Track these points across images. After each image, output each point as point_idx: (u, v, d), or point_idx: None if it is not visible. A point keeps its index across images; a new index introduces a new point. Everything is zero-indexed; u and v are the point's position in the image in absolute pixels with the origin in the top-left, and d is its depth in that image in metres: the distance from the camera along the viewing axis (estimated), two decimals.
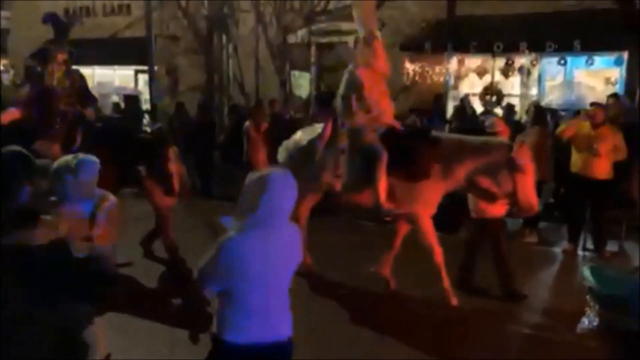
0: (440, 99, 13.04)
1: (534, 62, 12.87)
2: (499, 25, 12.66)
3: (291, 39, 15.28)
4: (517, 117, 11.39)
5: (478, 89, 13.53)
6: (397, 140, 6.06)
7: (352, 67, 6.27)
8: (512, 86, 13.87)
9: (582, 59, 12.41)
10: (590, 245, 7.91)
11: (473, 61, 13.73)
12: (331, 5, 14.54)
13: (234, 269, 2.71)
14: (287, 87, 15.16)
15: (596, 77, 13.26)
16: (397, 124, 6.39)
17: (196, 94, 16.41)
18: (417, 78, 13.88)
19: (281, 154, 7.02)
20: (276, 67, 15.16)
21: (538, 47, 12.18)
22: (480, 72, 13.57)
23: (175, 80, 17.81)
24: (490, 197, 5.97)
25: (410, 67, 13.90)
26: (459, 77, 14.37)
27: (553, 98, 13.06)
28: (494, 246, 6.29)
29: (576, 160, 7.80)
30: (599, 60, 12.75)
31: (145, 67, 16.49)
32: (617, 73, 12.71)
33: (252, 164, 9.54)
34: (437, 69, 13.83)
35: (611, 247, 7.82)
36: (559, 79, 13.54)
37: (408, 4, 14.28)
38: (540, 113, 8.76)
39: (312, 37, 15.42)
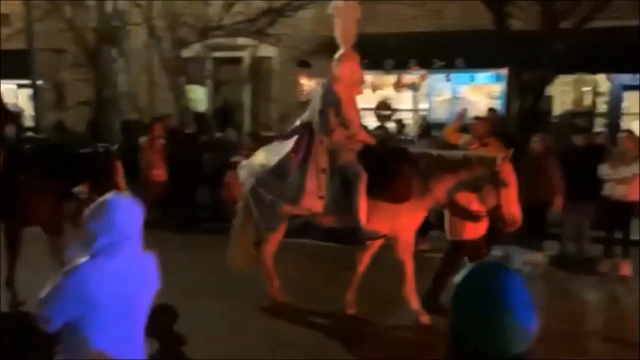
0: None
1: (422, 79, 13.55)
2: (390, 44, 13.20)
3: (186, 53, 15.03)
4: (408, 130, 11.92)
5: (372, 104, 14.02)
6: (375, 158, 5.85)
7: (327, 81, 6.04)
8: (403, 101, 14.50)
9: (466, 75, 13.25)
10: None
11: (366, 77, 14.18)
12: (226, 20, 14.49)
13: (79, 300, 2.49)
14: (182, 101, 14.85)
15: (480, 92, 14.22)
16: (373, 141, 6.31)
17: (85, 109, 15.65)
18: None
19: (245, 178, 6.39)
20: (171, 81, 14.82)
21: (425, 65, 12.85)
22: (374, 88, 14.07)
23: (61, 95, 16.87)
24: (472, 217, 5.87)
25: (306, 83, 14.12)
26: None
27: (440, 113, 13.80)
28: (451, 263, 6.08)
29: None
30: (482, 76, 13.70)
31: (28, 81, 15.50)
32: (498, 88, 13.71)
33: (148, 181, 9.21)
34: None
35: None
36: (446, 94, 14.35)
37: (303, 22, 14.53)
38: (427, 127, 9.23)
39: (208, 51, 15.26)
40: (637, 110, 13.89)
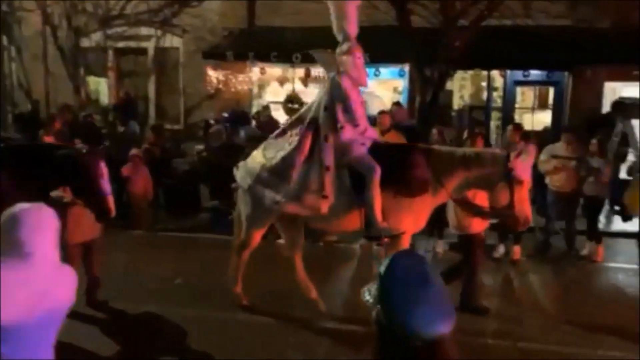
0: (239, 106, 13.21)
1: None
2: (297, 37, 13.25)
3: (85, 42, 14.32)
4: None
5: (281, 97, 14.05)
6: (385, 154, 5.61)
7: (335, 75, 5.66)
8: (311, 95, 14.61)
9: (371, 70, 13.54)
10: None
11: (275, 70, 14.21)
12: (128, 9, 13.95)
13: None
14: (82, 93, 14.15)
15: (385, 86, 14.63)
16: (377, 136, 6.05)
17: None
18: (221, 86, 13.95)
19: (243, 179, 6.00)
20: (69, 71, 14.06)
21: None
22: (282, 81, 14.10)
23: None
24: (482, 214, 5.81)
25: (213, 75, 13.92)
26: (262, 86, 14.76)
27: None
28: (470, 260, 6.18)
29: None
30: (386, 71, 14.09)
31: None
32: (402, 83, 14.17)
33: None
34: (241, 77, 14.05)
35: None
36: None
37: (209, 12, 14.28)
38: None
39: (109, 42, 14.63)
40: (529, 105, 14.91)
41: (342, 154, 5.55)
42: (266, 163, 5.81)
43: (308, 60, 13.08)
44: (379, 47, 12.68)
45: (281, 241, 8.58)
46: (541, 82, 14.24)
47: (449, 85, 13.15)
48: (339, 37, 5.71)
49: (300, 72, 13.92)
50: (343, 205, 5.55)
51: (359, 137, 5.61)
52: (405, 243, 5.68)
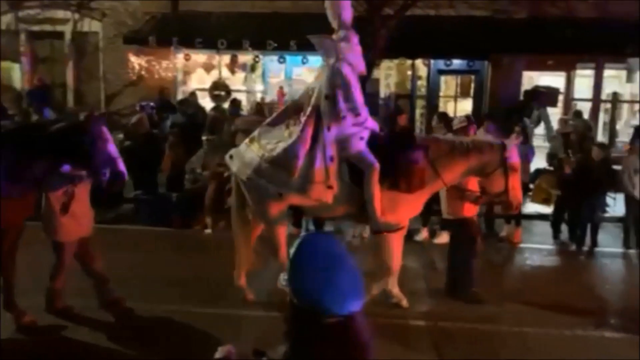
0: (164, 93, 12.84)
1: (257, 60, 13.59)
2: (223, 23, 13.02)
3: None
4: (244, 112, 11.90)
5: (207, 84, 13.77)
6: (384, 146, 5.55)
7: (334, 62, 5.45)
8: (238, 82, 14.44)
9: (298, 58, 13.53)
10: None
11: (200, 57, 13.91)
12: None
13: None
14: None
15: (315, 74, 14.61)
16: (377, 127, 5.87)
17: None
18: (143, 72, 13.50)
19: (240, 169, 5.72)
20: None
21: (260, 46, 12.89)
22: (208, 68, 13.83)
23: None
24: (476, 199, 5.94)
25: (135, 61, 13.45)
26: (187, 72, 14.41)
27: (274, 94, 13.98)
28: (470, 246, 6.16)
29: None
30: (314, 59, 14.06)
31: None
32: None
33: None
34: (165, 63, 13.66)
35: None
36: (281, 75, 14.56)
37: None
38: (259, 109, 9.31)
39: (21, 24, 13.82)
40: (452, 93, 15.37)
41: (341, 148, 5.46)
42: (265, 154, 5.57)
43: (234, 46, 12.94)
44: (306, 35, 12.69)
45: (208, 231, 8.48)
46: (463, 71, 14.71)
47: (375, 74, 13.31)
48: (334, 24, 5.58)
49: (226, 58, 13.70)
50: (344, 196, 5.48)
51: (358, 130, 5.49)
52: (403, 231, 5.75)
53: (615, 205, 9.37)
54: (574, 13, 13.22)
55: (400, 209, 5.53)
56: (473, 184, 5.95)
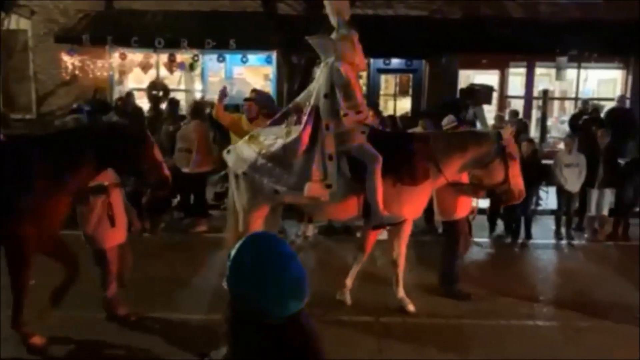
0: (99, 93, 12.46)
1: (196, 59, 13.38)
2: (160, 21, 12.76)
3: None
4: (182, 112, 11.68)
5: (145, 84, 13.45)
6: (385, 141, 5.56)
7: (334, 61, 5.43)
8: (177, 81, 14.17)
9: (238, 56, 13.41)
10: None
11: (136, 56, 13.56)
12: None
13: None
14: None
15: (255, 73, 14.55)
16: (377, 123, 5.83)
17: None
18: (77, 72, 13.05)
19: (236, 164, 5.71)
20: None
21: (198, 44, 12.70)
22: (145, 67, 13.50)
23: None
24: (474, 191, 5.95)
25: (69, 60, 12.98)
26: (123, 72, 14.02)
27: (216, 93, 13.79)
28: (453, 245, 6.25)
29: None
30: (254, 58, 14.00)
31: None
32: (271, 70, 14.17)
33: None
34: (99, 63, 13.25)
35: None
36: (221, 75, 14.39)
37: None
38: (198, 108, 9.16)
39: None
40: (392, 92, 15.61)
41: (341, 142, 5.44)
42: (263, 150, 5.58)
43: (172, 45, 12.69)
44: (246, 34, 12.60)
45: (146, 235, 8.26)
46: (402, 70, 14.96)
47: (317, 72, 13.34)
48: (333, 23, 5.55)
49: (164, 57, 13.40)
50: (342, 193, 5.46)
51: (358, 125, 5.49)
52: (407, 229, 5.76)
53: (548, 198, 9.75)
54: (507, 13, 13.73)
55: (406, 203, 5.56)
56: (465, 178, 6.00)
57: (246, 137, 5.91)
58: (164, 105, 11.87)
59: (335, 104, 5.40)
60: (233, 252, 1.69)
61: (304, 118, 5.51)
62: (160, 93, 12.86)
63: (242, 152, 5.73)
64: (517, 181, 5.64)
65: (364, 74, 14.92)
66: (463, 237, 6.29)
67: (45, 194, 4.51)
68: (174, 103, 11.07)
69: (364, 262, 6.14)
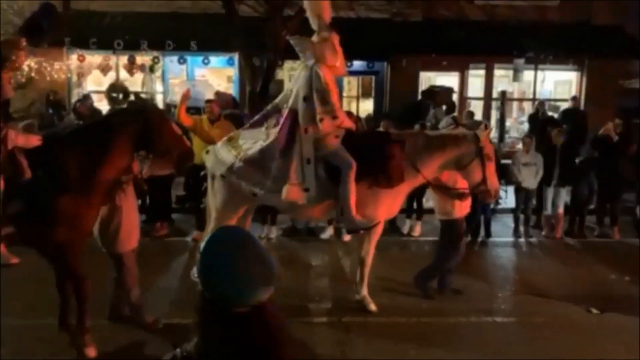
0: (56, 96, 12.18)
1: (156, 60, 13.23)
2: (119, 23, 12.58)
3: None
4: None
5: (104, 86, 13.23)
6: (360, 144, 5.59)
7: (314, 64, 5.37)
8: (138, 83, 13.98)
9: (199, 58, 13.32)
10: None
11: (95, 58, 13.33)
12: None
13: None
14: None
15: (218, 75, 14.46)
16: (353, 126, 5.85)
17: None
18: (33, 74, 12.73)
19: (215, 166, 5.73)
20: None
21: (159, 46, 12.56)
22: (104, 69, 13.28)
23: None
24: (458, 195, 5.97)
25: (25, 62, 12.65)
26: (82, 74, 13.76)
27: (177, 95, 13.66)
28: (453, 243, 6.30)
29: (199, 153, 8.30)
30: (216, 59, 13.91)
31: None
32: (233, 71, 14.11)
33: None
34: (57, 65, 12.97)
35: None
36: (182, 76, 14.25)
37: None
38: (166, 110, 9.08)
39: None
40: (355, 94, 15.72)
41: (318, 147, 5.45)
42: (241, 153, 5.58)
43: (131, 47, 12.52)
44: (207, 36, 12.53)
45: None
46: (364, 72, 15.07)
47: (279, 74, 13.36)
48: (314, 25, 5.51)
49: (124, 59, 13.21)
50: (319, 195, 5.50)
51: (334, 129, 5.49)
52: (379, 230, 5.81)
53: (507, 197, 9.97)
54: (466, 16, 14.00)
55: (382, 205, 5.61)
56: (462, 182, 6.03)
57: (225, 139, 5.90)
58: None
59: (313, 107, 5.40)
60: (203, 242, 1.74)
61: (281, 120, 5.53)
62: (120, 95, 12.68)
63: (220, 154, 5.74)
64: (493, 181, 5.77)
65: None
66: (461, 235, 6.40)
67: (81, 191, 4.42)
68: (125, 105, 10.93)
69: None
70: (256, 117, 6.08)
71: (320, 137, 5.45)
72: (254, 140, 5.65)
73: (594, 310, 6.10)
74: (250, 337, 1.67)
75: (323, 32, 5.46)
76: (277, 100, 5.97)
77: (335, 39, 5.47)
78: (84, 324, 4.73)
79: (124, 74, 13.51)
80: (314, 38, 5.51)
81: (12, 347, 4.82)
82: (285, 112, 5.55)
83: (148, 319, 5.30)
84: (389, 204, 5.70)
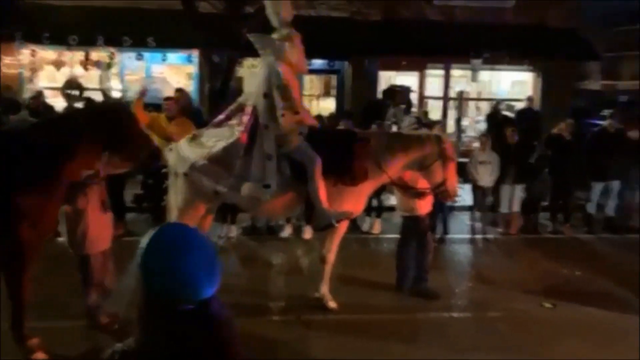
0: (7, 91, 11.80)
1: (112, 57, 12.95)
2: (74, 17, 12.24)
3: None
4: None
5: (59, 82, 12.86)
6: (324, 141, 5.61)
7: (273, 61, 5.39)
8: (94, 80, 13.65)
9: (158, 55, 13.10)
10: None
11: (48, 53, 12.96)
12: None
13: None
14: None
15: (177, 72, 14.25)
16: (316, 123, 5.90)
17: None
18: None
19: (177, 163, 5.62)
20: None
21: (115, 42, 12.29)
22: (58, 65, 12.92)
23: None
24: (420, 195, 6.06)
25: None
26: (34, 70, 13.35)
27: (134, 92, 13.40)
28: (422, 242, 6.36)
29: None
30: (175, 56, 13.71)
31: None
32: (193, 69, 13.93)
33: None
34: (7, 60, 12.56)
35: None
36: (140, 73, 13.99)
37: None
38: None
39: None
40: (316, 92, 15.73)
41: (281, 144, 5.47)
42: (205, 151, 5.55)
43: (87, 42, 12.21)
44: (165, 32, 12.32)
45: (62, 239, 7.90)
46: (325, 71, 15.10)
47: (240, 72, 13.25)
48: (274, 23, 5.53)
49: (79, 55, 12.87)
50: (282, 192, 5.51)
51: (297, 126, 5.51)
52: (342, 229, 5.86)
53: (464, 195, 10.14)
54: (425, 16, 14.17)
55: (346, 203, 5.64)
56: (423, 182, 6.10)
57: (188, 137, 5.86)
58: (79, 105, 11.41)
59: (274, 104, 5.43)
60: (145, 239, 1.70)
61: (245, 118, 5.55)
62: (76, 92, 12.33)
63: (183, 151, 5.69)
64: (453, 182, 5.94)
65: None
66: (425, 232, 6.46)
67: (44, 189, 4.25)
68: (90, 102, 10.65)
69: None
70: (220, 116, 6.04)
71: (284, 133, 5.47)
72: (217, 138, 5.63)
73: (547, 304, 6.28)
74: (194, 333, 1.65)
75: (283, 30, 5.51)
76: (240, 98, 5.96)
77: (296, 36, 5.52)
78: (23, 329, 4.52)
79: (79, 70, 13.16)
80: (275, 35, 5.54)
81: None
82: (248, 109, 5.57)
83: (103, 320, 5.19)
84: (353, 202, 5.73)
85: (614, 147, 9.26)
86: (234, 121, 5.76)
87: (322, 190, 5.43)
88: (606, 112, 11.94)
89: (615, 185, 9.43)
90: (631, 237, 9.08)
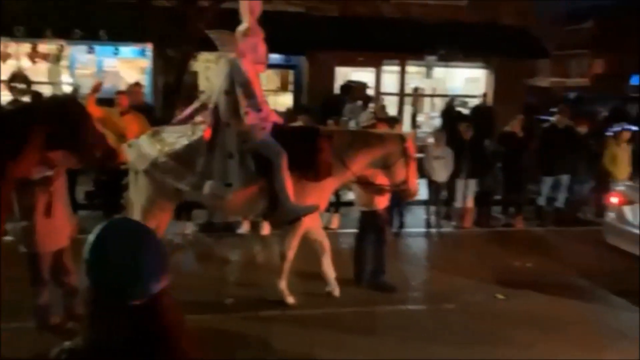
0: None
1: (61, 49, 12.54)
2: (20, 8, 11.78)
3: None
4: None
5: (3, 75, 12.37)
6: (288, 138, 5.57)
7: (234, 58, 5.35)
8: (42, 73, 13.20)
9: (110, 48, 12.76)
10: None
11: None
12: None
13: None
14: None
15: (130, 66, 13.92)
16: (280, 120, 5.91)
17: None
18: None
19: (135, 159, 5.55)
20: None
21: (65, 34, 11.91)
22: (3, 57, 12.42)
23: None
24: (379, 191, 6.12)
25: None
26: None
27: (87, 86, 13.04)
28: (380, 236, 6.45)
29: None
30: (128, 50, 13.38)
31: None
32: (146, 63, 13.63)
33: None
34: None
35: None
36: (91, 67, 13.62)
37: None
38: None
39: None
40: (274, 87, 15.64)
41: (244, 140, 5.42)
42: (166, 147, 5.50)
43: (34, 34, 11.79)
44: (118, 25, 12.01)
45: (8, 238, 7.60)
46: (282, 66, 15.03)
47: (194, 66, 13.04)
48: (245, 19, 5.49)
49: (25, 47, 12.41)
50: (245, 189, 5.48)
51: (260, 122, 5.45)
52: (303, 225, 5.81)
53: (419, 189, 10.27)
54: (380, 13, 14.28)
55: (309, 199, 5.64)
56: (382, 178, 6.12)
57: (149, 132, 5.81)
58: (26, 99, 11.01)
59: (236, 101, 5.38)
60: (91, 235, 1.65)
61: (207, 116, 5.56)
62: (23, 85, 11.89)
63: (143, 148, 5.59)
64: (414, 181, 6.04)
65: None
66: (383, 226, 6.56)
67: None
68: (38, 96, 10.30)
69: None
70: (184, 113, 6.02)
71: (246, 131, 5.43)
72: (178, 135, 5.59)
73: (500, 296, 6.43)
74: (143, 328, 1.61)
75: (245, 26, 5.47)
76: (204, 96, 5.94)
77: (259, 33, 5.48)
78: None
79: (26, 63, 12.69)
80: (237, 31, 5.48)
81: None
82: (211, 107, 5.55)
83: (54, 321, 5.01)
84: (316, 198, 5.73)
85: (564, 142, 9.55)
86: (197, 119, 5.78)
87: (288, 183, 5.44)
88: (555, 108, 12.32)
89: (565, 179, 9.74)
90: (580, 229, 9.41)
